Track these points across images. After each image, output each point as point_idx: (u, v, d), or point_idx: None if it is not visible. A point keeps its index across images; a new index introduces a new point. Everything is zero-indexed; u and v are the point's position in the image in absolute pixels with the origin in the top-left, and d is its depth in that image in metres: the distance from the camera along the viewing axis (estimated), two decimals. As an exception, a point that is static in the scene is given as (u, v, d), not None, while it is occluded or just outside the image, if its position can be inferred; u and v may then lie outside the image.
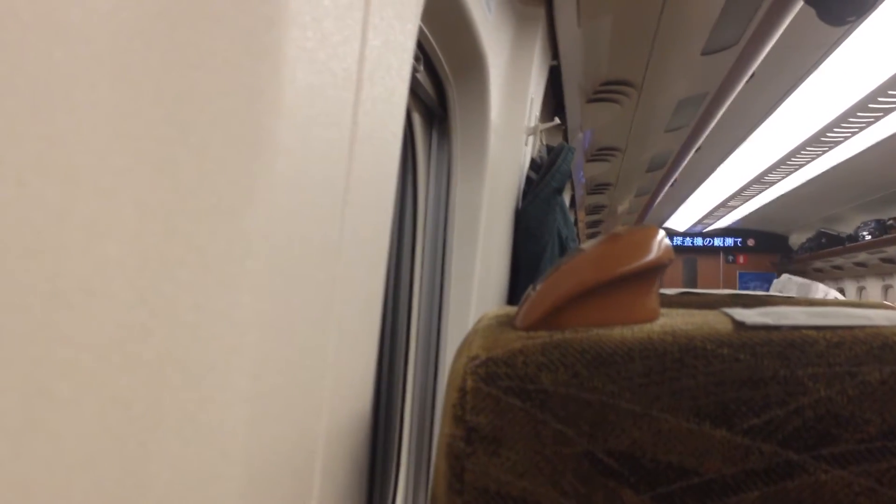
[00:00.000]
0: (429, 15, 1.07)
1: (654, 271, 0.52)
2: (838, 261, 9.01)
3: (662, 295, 0.93)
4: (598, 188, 5.15)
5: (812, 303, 0.72)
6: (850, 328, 0.47)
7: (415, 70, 1.12)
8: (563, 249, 1.80)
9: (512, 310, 0.57)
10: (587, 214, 6.44)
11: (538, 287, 0.52)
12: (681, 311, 0.55)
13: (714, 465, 0.45)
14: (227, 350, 0.40)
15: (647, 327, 0.49)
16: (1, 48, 0.30)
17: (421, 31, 1.08)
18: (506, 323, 0.53)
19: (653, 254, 0.51)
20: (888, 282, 8.35)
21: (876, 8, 2.62)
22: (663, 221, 10.85)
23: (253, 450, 0.42)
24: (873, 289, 8.74)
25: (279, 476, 0.46)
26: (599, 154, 3.84)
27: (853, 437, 0.44)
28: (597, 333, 0.49)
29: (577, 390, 0.46)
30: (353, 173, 0.54)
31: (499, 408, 0.47)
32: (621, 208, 6.50)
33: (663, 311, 0.55)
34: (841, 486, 0.44)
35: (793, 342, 0.47)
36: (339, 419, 0.56)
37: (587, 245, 0.53)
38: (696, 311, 0.55)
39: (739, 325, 0.48)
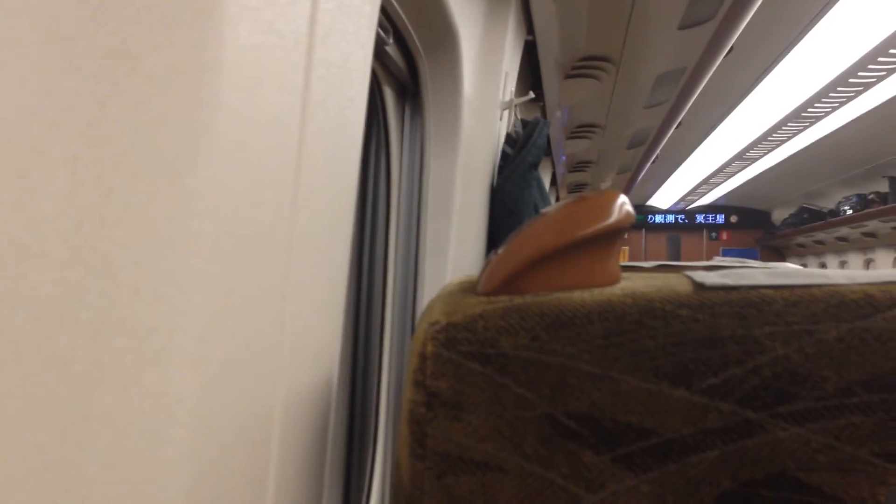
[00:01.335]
0: None
1: (614, 235, 0.52)
2: (820, 235, 9.08)
3: (638, 267, 0.93)
4: (579, 166, 5.16)
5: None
6: (808, 287, 0.47)
7: (384, 43, 1.11)
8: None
9: (475, 276, 0.57)
10: (569, 192, 6.45)
11: (499, 252, 0.52)
12: (643, 276, 0.55)
13: (673, 425, 0.45)
14: (171, 312, 0.39)
15: (607, 290, 0.49)
16: None
17: (390, 4, 1.07)
18: (468, 289, 0.53)
19: (612, 217, 0.51)
20: (869, 255, 8.42)
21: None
22: (646, 199, 10.90)
23: (203, 414, 0.42)
24: (855, 263, 8.82)
25: (233, 443, 0.46)
26: (579, 131, 3.84)
27: (810, 394, 0.44)
28: (557, 297, 0.49)
29: (538, 354, 0.46)
30: (306, 138, 0.53)
31: (459, 373, 0.47)
32: (603, 186, 6.51)
33: (625, 275, 0.55)
34: (799, 444, 0.44)
35: (750, 301, 0.47)
36: (298, 388, 0.56)
37: (547, 210, 0.53)
38: (657, 275, 0.55)
39: (699, 287, 0.48)
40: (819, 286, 0.47)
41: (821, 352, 0.45)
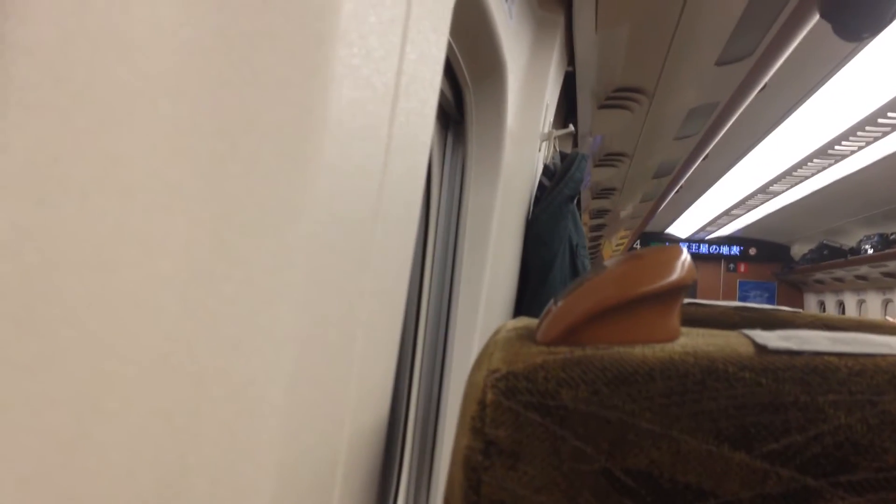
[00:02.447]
0: (453, 22, 1.07)
1: (677, 292, 0.52)
2: (839, 273, 8.99)
3: None
4: (602, 193, 5.13)
5: (828, 325, 0.72)
6: (872, 356, 0.47)
7: None
8: (573, 257, 1.80)
9: (530, 322, 0.57)
10: (590, 218, 6.43)
11: (560, 302, 0.52)
12: (701, 332, 0.55)
13: (732, 488, 0.45)
14: (266, 364, 0.40)
15: (668, 347, 0.49)
16: (71, 67, 0.30)
17: None
18: (525, 336, 0.53)
19: (676, 274, 0.51)
20: (888, 296, 8.34)
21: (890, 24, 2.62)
22: (665, 227, 10.83)
23: (285, 461, 0.42)
24: (873, 302, 8.74)
25: (306, 487, 0.46)
26: (607, 159, 3.84)
27: (871, 465, 0.44)
28: (618, 351, 0.49)
29: (597, 408, 0.46)
30: (385, 186, 0.54)
31: (518, 422, 0.47)
32: (624, 213, 6.49)
33: (683, 330, 0.55)
34: None
35: (815, 368, 0.47)
36: (359, 427, 0.56)
37: (610, 262, 0.53)
38: (716, 332, 0.55)
39: (761, 349, 0.49)
40: (883, 356, 0.48)
41: (883, 423, 0.45)
